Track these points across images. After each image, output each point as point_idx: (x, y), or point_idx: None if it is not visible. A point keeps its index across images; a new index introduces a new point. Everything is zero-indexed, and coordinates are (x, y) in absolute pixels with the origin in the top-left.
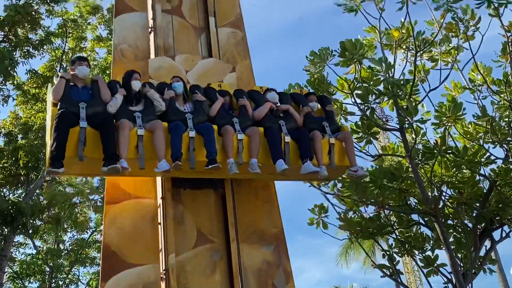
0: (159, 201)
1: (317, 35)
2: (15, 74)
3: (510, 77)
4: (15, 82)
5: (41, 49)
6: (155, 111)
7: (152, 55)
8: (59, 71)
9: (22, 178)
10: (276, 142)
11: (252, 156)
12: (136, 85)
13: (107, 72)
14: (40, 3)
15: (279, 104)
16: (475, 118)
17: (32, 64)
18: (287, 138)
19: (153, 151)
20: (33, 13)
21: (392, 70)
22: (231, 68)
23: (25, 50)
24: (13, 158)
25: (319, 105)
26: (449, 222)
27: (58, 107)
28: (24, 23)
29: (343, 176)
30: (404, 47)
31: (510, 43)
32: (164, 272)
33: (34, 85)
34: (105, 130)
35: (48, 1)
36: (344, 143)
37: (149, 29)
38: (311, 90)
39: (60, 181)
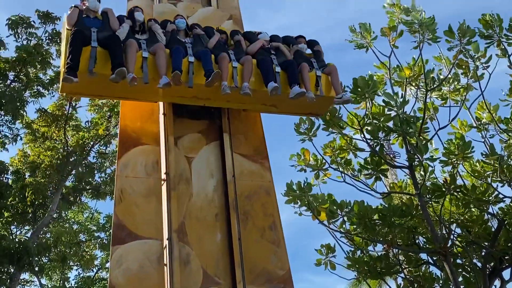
0: (165, 242)
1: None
2: (24, 113)
3: None
4: (24, 121)
5: (51, 88)
6: (159, 40)
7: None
8: (68, 110)
9: (29, 216)
10: (268, 68)
11: (245, 80)
12: (139, 16)
13: (116, 110)
14: (51, 43)
15: (271, 43)
16: (483, 156)
17: (42, 103)
18: (278, 69)
19: (156, 72)
20: (44, 53)
21: (404, 106)
22: (228, 16)
23: (35, 90)
24: (21, 196)
25: (308, 49)
26: (458, 261)
27: (72, 30)
28: (35, 63)
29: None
30: (414, 84)
31: None
32: None
33: (43, 124)
34: (114, 46)
35: (59, 41)
36: (330, 76)
37: None
38: (322, 124)
39: (67, 218)
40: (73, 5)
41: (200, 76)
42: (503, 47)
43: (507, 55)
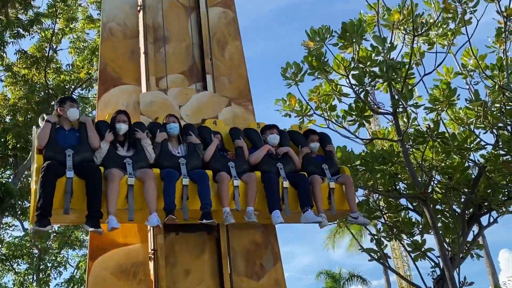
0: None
1: (310, 21)
2: (4, 55)
3: (503, 61)
4: (4, 63)
5: (31, 30)
6: (147, 157)
7: (141, 34)
8: (49, 53)
9: (10, 159)
10: (273, 190)
11: (249, 204)
12: (121, 128)
13: (97, 53)
14: None
15: (278, 148)
16: (467, 102)
17: (22, 45)
18: (286, 184)
19: (144, 201)
20: None
21: (391, 52)
22: (227, 102)
23: (15, 31)
24: (1, 140)
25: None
26: (438, 207)
27: (43, 154)
28: (14, 3)
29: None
30: (402, 28)
31: (504, 29)
32: None
33: (24, 66)
34: (91, 184)
35: None
36: (344, 187)
37: (138, 8)
38: (307, 67)
39: None
40: (44, 117)
41: (195, 202)
42: None
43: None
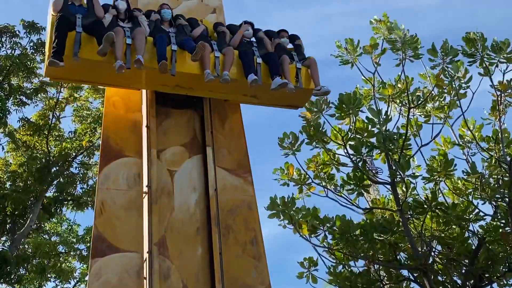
0: (145, 255)
1: None
2: (7, 121)
3: (499, 134)
4: (7, 129)
5: (35, 98)
6: (143, 29)
7: (144, 108)
8: (52, 120)
9: (8, 225)
10: (249, 60)
11: (225, 69)
12: (121, 4)
13: (99, 121)
14: (35, 53)
15: (254, 35)
16: (464, 174)
17: (25, 112)
18: (259, 60)
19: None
20: (28, 62)
21: (385, 123)
22: (212, 9)
23: (18, 99)
24: (0, 206)
25: (290, 43)
26: (439, 278)
27: (57, 14)
28: (19, 72)
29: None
30: (398, 101)
31: (499, 102)
32: None
33: (26, 133)
34: (98, 31)
35: (43, 51)
36: (309, 69)
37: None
38: (306, 138)
39: (46, 229)
40: None
41: (183, 65)
42: (485, 66)
43: (489, 75)
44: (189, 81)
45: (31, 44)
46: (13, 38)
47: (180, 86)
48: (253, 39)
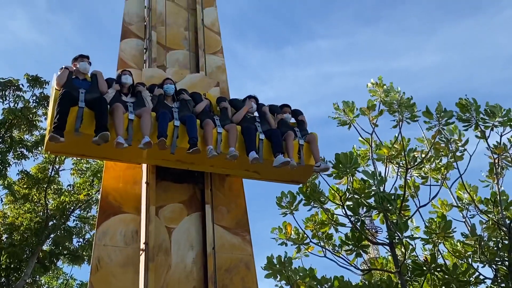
0: None
1: None
2: (6, 174)
3: (497, 196)
4: (6, 182)
5: (35, 151)
6: (146, 105)
7: (144, 164)
8: (51, 174)
9: (2, 279)
10: (251, 136)
11: (230, 146)
12: (126, 79)
13: (98, 175)
14: (38, 106)
15: (257, 114)
16: (464, 237)
17: (25, 165)
18: (262, 136)
19: (141, 133)
20: (30, 115)
21: (384, 184)
22: (216, 83)
23: (18, 152)
24: None
25: (292, 118)
26: None
27: (61, 89)
28: (21, 125)
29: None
30: (395, 162)
31: (496, 164)
32: None
33: (25, 186)
34: (100, 108)
35: (46, 105)
36: (309, 145)
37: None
38: (303, 198)
39: (41, 283)
40: (63, 66)
41: (185, 141)
42: (480, 129)
43: (485, 138)
44: (190, 156)
45: (34, 97)
46: (17, 92)
47: (181, 161)
48: (256, 113)
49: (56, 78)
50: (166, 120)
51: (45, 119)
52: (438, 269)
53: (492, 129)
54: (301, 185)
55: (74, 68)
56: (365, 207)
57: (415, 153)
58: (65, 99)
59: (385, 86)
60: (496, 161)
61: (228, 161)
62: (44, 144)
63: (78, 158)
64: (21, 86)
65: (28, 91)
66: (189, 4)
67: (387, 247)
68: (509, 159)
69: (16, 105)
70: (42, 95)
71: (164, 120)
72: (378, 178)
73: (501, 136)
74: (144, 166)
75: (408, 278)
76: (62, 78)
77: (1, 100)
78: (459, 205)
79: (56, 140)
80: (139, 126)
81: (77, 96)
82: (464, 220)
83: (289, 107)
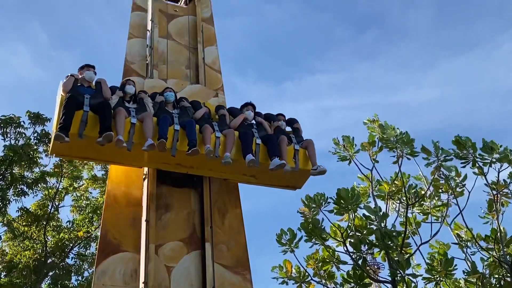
0: None
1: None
2: (6, 211)
3: (498, 233)
4: (6, 219)
5: (35, 187)
6: (147, 110)
7: (144, 202)
8: (50, 210)
9: None
10: (248, 141)
11: (227, 151)
12: (130, 89)
13: (98, 212)
14: (39, 143)
15: (253, 121)
16: (465, 274)
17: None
18: (258, 141)
19: (142, 137)
20: (31, 152)
21: (385, 220)
22: (214, 93)
23: (18, 189)
24: None
25: (288, 127)
26: None
27: (66, 94)
28: (21, 162)
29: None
30: (395, 198)
31: (496, 201)
32: None
33: (24, 223)
34: (103, 111)
35: (47, 142)
36: (307, 149)
37: (144, 175)
38: (305, 235)
39: None
40: (69, 74)
41: (184, 144)
42: (478, 166)
43: (484, 175)
44: (189, 160)
45: (35, 134)
46: (18, 129)
47: (181, 164)
48: (253, 121)
49: (62, 85)
50: (167, 124)
51: (46, 155)
52: None
53: (490, 166)
54: (303, 221)
55: (80, 76)
56: (366, 244)
57: (421, 190)
58: (70, 103)
59: (379, 122)
60: (496, 197)
61: (226, 166)
62: (44, 178)
63: (78, 195)
64: (22, 123)
65: (29, 127)
66: (191, 43)
67: (389, 285)
68: (510, 195)
69: (17, 142)
70: (43, 132)
71: (164, 124)
72: (380, 214)
73: (498, 172)
74: (144, 210)
75: None
76: (68, 84)
77: (3, 137)
78: (459, 242)
79: (61, 139)
80: (141, 130)
81: (82, 101)
82: (464, 257)
83: (283, 116)
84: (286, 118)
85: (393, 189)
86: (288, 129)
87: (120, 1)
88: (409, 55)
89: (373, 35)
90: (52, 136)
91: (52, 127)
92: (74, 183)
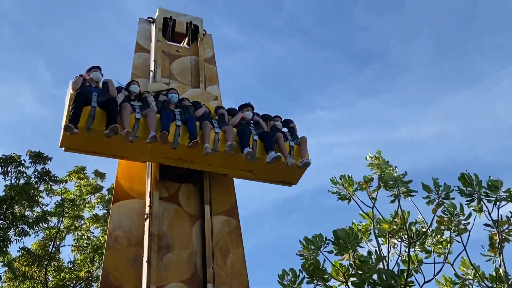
0: None
1: (309, 212)
2: (7, 251)
3: (502, 273)
4: (6, 259)
5: (36, 227)
6: (151, 108)
7: (146, 243)
8: (52, 250)
9: None
10: (246, 137)
11: (228, 140)
12: (134, 88)
13: (99, 251)
14: (40, 182)
15: (252, 118)
16: None
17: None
18: (255, 137)
19: (146, 132)
20: (32, 191)
21: (386, 259)
22: (214, 97)
23: (19, 228)
24: None
25: (284, 128)
26: None
27: (75, 92)
28: (22, 201)
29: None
30: (397, 237)
31: (498, 238)
32: None
33: (25, 263)
34: (110, 106)
35: (48, 180)
36: (300, 145)
37: (145, 216)
38: (306, 276)
39: None
40: (78, 74)
41: (186, 139)
42: (483, 204)
43: (487, 212)
44: (190, 155)
45: (36, 173)
46: (19, 168)
47: (182, 159)
48: (251, 121)
49: (71, 84)
50: (169, 119)
51: (47, 194)
52: None
53: (495, 204)
54: (303, 262)
55: (88, 77)
56: (369, 284)
57: (419, 224)
58: (79, 98)
59: (379, 160)
60: (498, 236)
61: (225, 160)
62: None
63: (79, 234)
64: (23, 161)
65: (30, 166)
66: (193, 83)
67: None
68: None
69: (18, 181)
70: (44, 170)
71: (167, 119)
72: (376, 256)
73: (498, 208)
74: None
75: None
76: (77, 83)
77: (3, 177)
78: (463, 281)
79: (70, 129)
80: (145, 125)
81: (90, 98)
82: None
83: (280, 118)
84: (282, 120)
85: (394, 227)
86: (285, 130)
87: (124, 41)
88: (410, 91)
89: (373, 70)
90: (61, 130)
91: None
92: (75, 222)
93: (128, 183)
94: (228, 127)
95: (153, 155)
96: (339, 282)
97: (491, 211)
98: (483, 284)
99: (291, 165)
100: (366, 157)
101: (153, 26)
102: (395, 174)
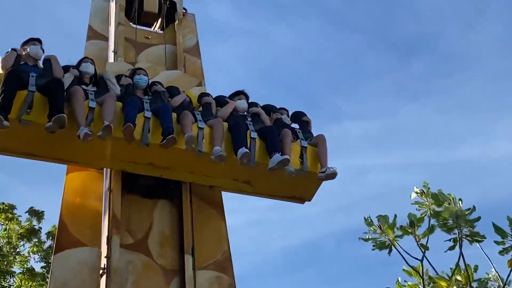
0: None
1: (333, 265)
2: None
3: None
4: None
5: None
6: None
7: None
8: None
9: None
10: (240, 134)
11: (216, 144)
12: (86, 67)
13: None
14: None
15: (249, 109)
16: None
17: None
18: (254, 134)
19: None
20: None
21: None
22: (198, 82)
23: None
24: None
25: (294, 123)
26: None
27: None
28: None
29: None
30: None
31: None
32: None
33: None
34: (54, 90)
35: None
36: (317, 147)
37: (101, 271)
38: None
39: None
40: (11, 49)
41: (157, 136)
42: None
43: None
44: (164, 158)
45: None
46: None
47: (153, 164)
48: (250, 110)
49: (1, 61)
50: (135, 107)
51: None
52: None
53: None
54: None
55: (24, 53)
56: None
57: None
58: (11, 79)
59: (431, 190)
60: None
61: (212, 167)
62: None
63: None
64: None
65: None
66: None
67: None
68: None
69: None
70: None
71: (132, 108)
72: None
73: None
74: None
75: None
76: (9, 60)
77: None
78: None
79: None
80: (101, 114)
81: (27, 79)
82: None
83: (287, 110)
84: (293, 112)
85: (455, 287)
86: (295, 126)
87: (71, 24)
88: (473, 93)
89: (422, 65)
90: None
91: None
92: (2, 280)
93: (77, 220)
94: (217, 120)
95: (114, 158)
96: None
97: None
98: None
99: (289, 174)
100: (412, 193)
101: (112, 4)
102: (456, 209)
